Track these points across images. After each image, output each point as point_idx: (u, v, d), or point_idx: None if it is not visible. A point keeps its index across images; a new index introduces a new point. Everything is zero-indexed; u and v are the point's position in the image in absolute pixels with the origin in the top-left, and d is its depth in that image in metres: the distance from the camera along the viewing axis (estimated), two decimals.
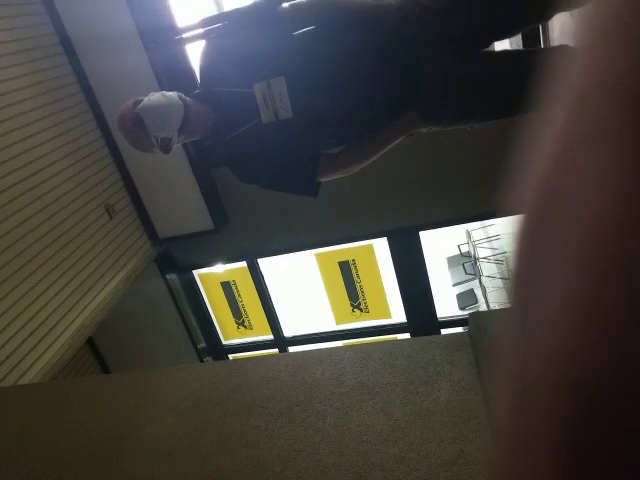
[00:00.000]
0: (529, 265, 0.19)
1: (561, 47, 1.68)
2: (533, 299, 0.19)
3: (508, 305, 0.21)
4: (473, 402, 1.31)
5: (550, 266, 0.18)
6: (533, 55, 1.65)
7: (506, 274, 7.02)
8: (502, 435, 0.20)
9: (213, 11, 4.40)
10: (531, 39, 3.27)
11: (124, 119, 1.58)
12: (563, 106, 0.18)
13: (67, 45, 3.69)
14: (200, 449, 1.47)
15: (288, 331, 5.06)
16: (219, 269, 4.96)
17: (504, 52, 1.93)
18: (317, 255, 4.72)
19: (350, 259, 4.66)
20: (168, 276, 4.63)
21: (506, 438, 0.20)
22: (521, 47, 3.38)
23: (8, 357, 2.80)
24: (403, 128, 1.68)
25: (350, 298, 4.82)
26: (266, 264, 4.79)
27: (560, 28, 2.95)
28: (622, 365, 0.15)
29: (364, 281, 4.73)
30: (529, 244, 0.19)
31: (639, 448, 0.15)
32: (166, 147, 1.56)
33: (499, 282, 7.09)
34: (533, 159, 0.20)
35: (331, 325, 5.03)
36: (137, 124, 1.54)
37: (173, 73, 3.74)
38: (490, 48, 1.75)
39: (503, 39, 1.85)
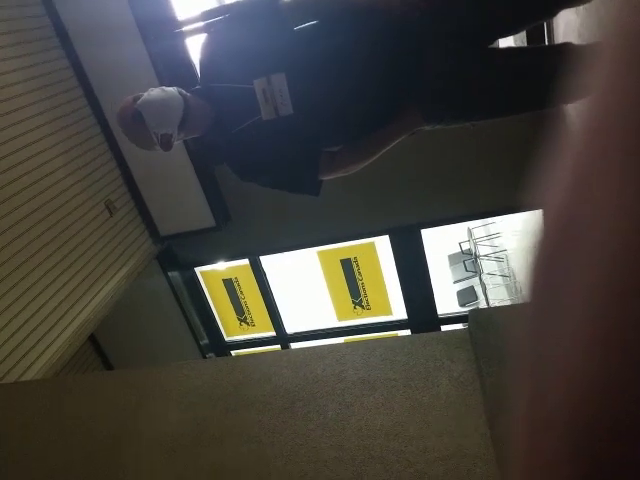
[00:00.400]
0: (547, 293, 0.19)
1: (566, 44, 1.68)
2: (551, 324, 0.19)
3: (524, 332, 0.21)
4: (472, 397, 1.32)
5: (569, 294, 0.18)
6: (537, 53, 1.65)
7: (506, 271, 7.03)
8: (518, 452, 0.20)
9: (213, 4, 4.38)
10: (535, 36, 3.26)
11: (124, 115, 1.57)
12: (579, 135, 0.19)
13: (64, 38, 3.65)
14: (202, 444, 1.48)
15: (290, 328, 5.08)
16: (221, 266, 4.97)
17: (508, 49, 1.92)
18: (319, 252, 4.73)
19: (352, 257, 4.67)
20: (170, 273, 4.63)
21: (519, 457, 0.20)
22: (525, 44, 3.37)
23: (10, 353, 2.81)
24: (404, 126, 1.67)
25: (352, 295, 4.83)
26: (268, 261, 4.80)
27: (565, 25, 2.95)
28: None
29: (366, 278, 4.74)
30: (546, 273, 0.20)
31: None
32: (166, 144, 1.56)
33: (499, 279, 7.10)
34: (550, 185, 0.20)
35: (333, 322, 5.05)
36: (137, 120, 1.54)
37: (173, 67, 3.71)
38: (494, 45, 1.74)
39: (507, 36, 1.85)
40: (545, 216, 0.20)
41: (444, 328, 4.49)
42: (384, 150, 1.70)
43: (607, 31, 0.18)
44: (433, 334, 1.57)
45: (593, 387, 0.16)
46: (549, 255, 0.19)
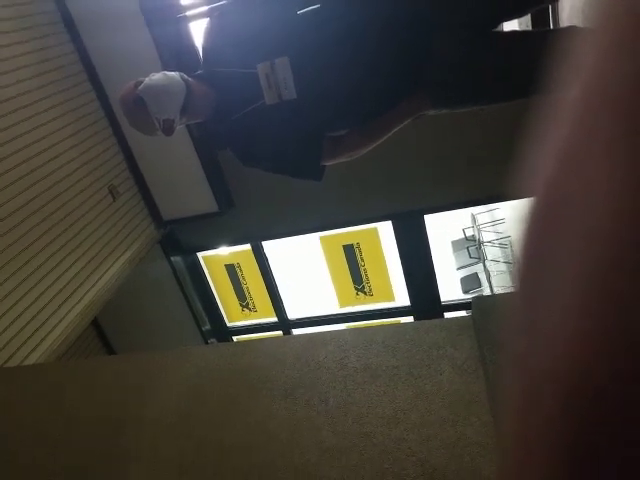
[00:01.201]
0: (535, 268, 0.20)
1: (570, 28, 1.65)
2: (539, 303, 0.19)
3: (514, 307, 0.21)
4: (475, 385, 1.32)
5: (556, 271, 0.18)
6: (542, 36, 1.62)
7: (510, 258, 7.01)
8: (508, 428, 0.21)
9: None
10: (540, 19, 3.22)
11: (126, 100, 1.57)
12: (571, 111, 0.19)
13: (69, 23, 3.65)
14: (204, 430, 1.49)
15: (292, 314, 5.09)
16: (223, 252, 4.97)
17: (512, 33, 1.89)
18: (322, 238, 4.72)
19: (354, 242, 4.66)
20: (172, 258, 4.64)
21: (512, 431, 0.20)
22: (530, 27, 3.33)
23: (13, 337, 2.82)
24: (410, 110, 1.65)
25: (354, 281, 4.82)
26: (270, 247, 4.80)
27: (570, 8, 2.91)
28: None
29: (368, 264, 4.73)
30: (535, 248, 0.20)
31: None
32: (168, 129, 1.54)
33: (503, 266, 7.09)
34: (541, 159, 0.20)
35: (335, 308, 5.05)
36: (139, 105, 1.53)
37: (176, 52, 3.69)
38: (499, 29, 1.72)
39: (512, 19, 1.82)
40: (535, 191, 0.20)
41: (447, 315, 4.49)
42: (389, 134, 1.68)
43: (598, 12, 0.18)
44: (436, 321, 1.57)
45: (584, 347, 0.16)
46: (538, 233, 0.20)
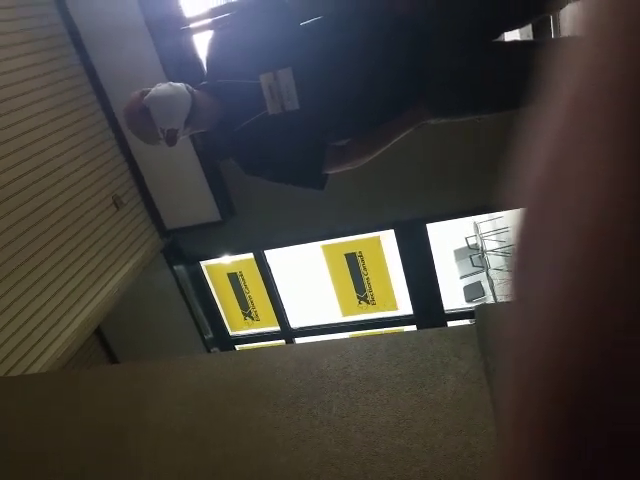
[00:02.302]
0: (528, 257, 0.20)
1: (571, 38, 1.66)
2: (531, 290, 0.20)
3: (508, 295, 0.22)
4: (479, 394, 1.31)
5: (548, 259, 0.19)
6: (543, 47, 1.63)
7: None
8: (505, 420, 0.21)
9: (221, 1, 4.39)
10: (541, 29, 3.23)
11: (131, 110, 1.58)
12: (561, 105, 0.19)
13: (75, 36, 3.70)
14: (206, 439, 1.48)
15: (295, 322, 5.08)
16: (226, 260, 4.97)
17: (513, 43, 1.90)
18: (324, 247, 4.72)
19: (357, 251, 4.66)
20: (175, 267, 4.64)
21: (508, 424, 0.21)
22: (531, 37, 3.34)
23: (17, 347, 2.83)
24: (411, 120, 1.66)
25: (357, 290, 4.82)
26: (273, 256, 4.80)
27: (571, 18, 2.92)
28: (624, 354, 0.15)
29: (371, 273, 4.72)
30: (527, 239, 0.20)
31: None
32: (172, 139, 1.56)
33: (506, 275, 7.06)
34: (532, 156, 0.20)
35: (337, 317, 5.04)
36: (144, 115, 1.54)
37: (180, 64, 3.73)
38: (500, 38, 1.73)
39: (513, 29, 1.83)
40: (527, 184, 0.20)
41: (450, 324, 4.48)
42: (390, 143, 1.69)
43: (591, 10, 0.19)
44: (439, 330, 1.56)
45: (573, 334, 0.17)
46: (529, 225, 0.20)
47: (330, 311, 5.07)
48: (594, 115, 0.17)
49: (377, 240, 4.56)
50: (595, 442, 0.16)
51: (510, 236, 7.23)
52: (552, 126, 0.19)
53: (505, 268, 7.10)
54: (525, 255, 0.20)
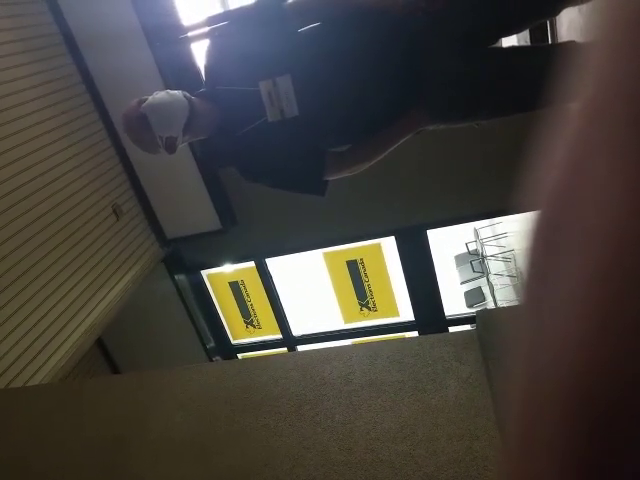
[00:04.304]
0: (542, 267, 0.20)
1: (569, 43, 1.67)
2: (546, 301, 0.19)
3: (520, 305, 0.21)
4: (481, 399, 1.31)
5: (565, 270, 0.18)
6: (540, 52, 1.64)
7: (514, 272, 6.99)
8: (512, 434, 0.20)
9: (218, 9, 4.41)
10: (539, 35, 3.25)
11: (129, 118, 1.58)
12: (578, 115, 0.19)
13: (71, 44, 3.70)
14: (209, 448, 1.48)
15: (297, 330, 5.07)
16: (227, 269, 4.97)
17: (511, 49, 1.92)
18: (325, 254, 4.72)
19: (358, 258, 4.66)
20: (176, 276, 4.64)
21: (516, 438, 0.20)
22: (528, 43, 3.36)
23: (18, 358, 2.82)
24: (410, 126, 1.67)
25: (358, 297, 4.81)
26: (274, 264, 4.80)
27: (568, 23, 2.94)
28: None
29: (372, 280, 4.72)
30: (542, 247, 0.20)
31: None
32: (171, 147, 1.55)
33: (507, 280, 7.06)
34: (547, 163, 0.20)
35: (339, 324, 5.04)
36: (142, 123, 1.54)
37: (178, 72, 3.74)
38: (497, 44, 1.74)
39: (510, 35, 1.84)
40: (542, 191, 0.20)
41: (452, 329, 4.47)
42: (390, 149, 1.70)
43: (601, 19, 0.18)
44: (441, 335, 1.56)
45: (590, 355, 0.16)
46: (545, 233, 0.20)
47: (332, 318, 5.07)
48: (612, 125, 0.17)
49: (378, 247, 4.56)
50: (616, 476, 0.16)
51: (510, 241, 7.23)
52: (568, 135, 0.19)
53: (505, 273, 7.10)
54: (541, 267, 0.20)
